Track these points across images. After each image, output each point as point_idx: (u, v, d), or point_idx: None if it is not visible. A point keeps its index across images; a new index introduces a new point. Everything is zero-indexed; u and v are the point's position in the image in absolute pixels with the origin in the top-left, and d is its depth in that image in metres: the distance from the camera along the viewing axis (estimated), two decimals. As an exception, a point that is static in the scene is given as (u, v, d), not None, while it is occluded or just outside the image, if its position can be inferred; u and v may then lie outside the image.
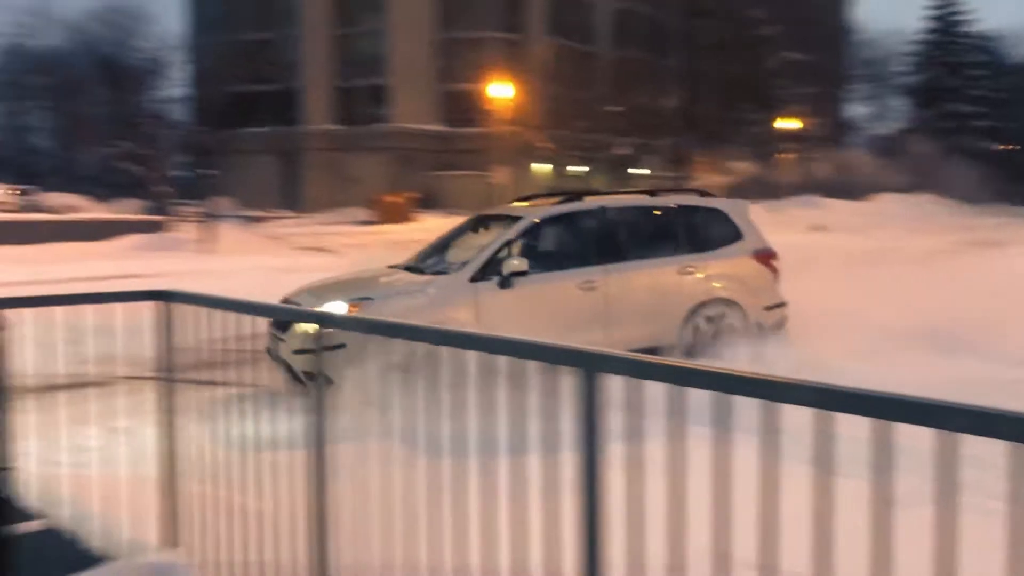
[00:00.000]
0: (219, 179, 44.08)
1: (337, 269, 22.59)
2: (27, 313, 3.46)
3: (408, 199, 44.76)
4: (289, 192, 55.93)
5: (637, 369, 2.16)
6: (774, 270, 8.64)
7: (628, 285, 7.81)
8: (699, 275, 8.24)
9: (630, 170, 55.41)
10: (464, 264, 7.54)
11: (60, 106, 64.35)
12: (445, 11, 57.19)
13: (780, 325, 8.47)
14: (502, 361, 2.50)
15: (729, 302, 8.22)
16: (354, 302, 7.10)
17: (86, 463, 3.76)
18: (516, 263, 7.27)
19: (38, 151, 68.51)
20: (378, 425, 3.11)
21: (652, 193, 9.12)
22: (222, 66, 59.15)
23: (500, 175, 46.67)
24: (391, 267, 8.41)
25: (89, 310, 3.65)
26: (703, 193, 9.58)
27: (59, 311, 3.56)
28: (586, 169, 56.77)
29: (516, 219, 7.89)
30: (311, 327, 3.12)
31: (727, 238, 8.57)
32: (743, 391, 1.92)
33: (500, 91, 46.39)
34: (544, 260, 7.87)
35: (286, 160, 57.50)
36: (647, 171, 56.85)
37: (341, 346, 3.72)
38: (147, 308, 3.79)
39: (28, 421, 3.61)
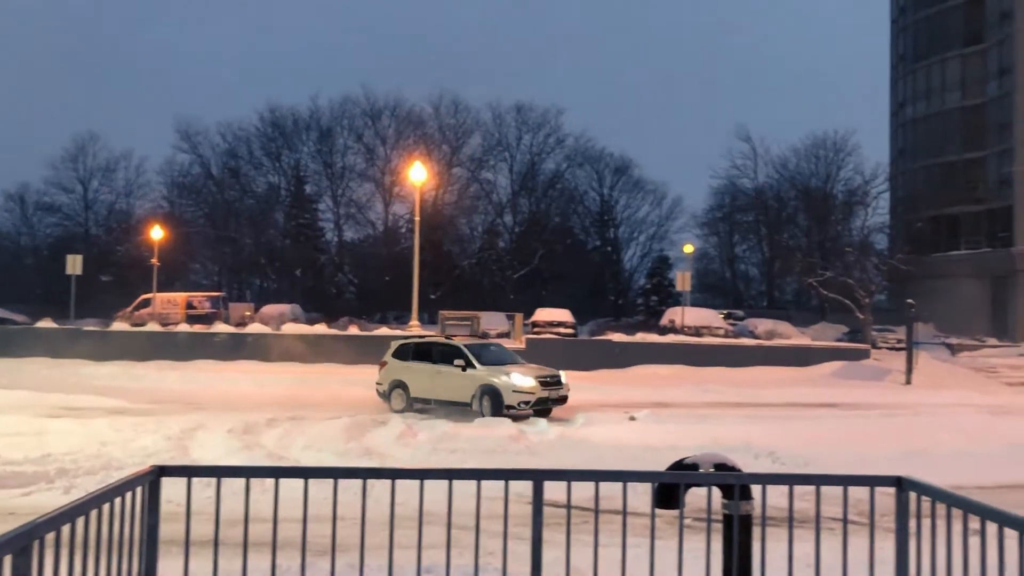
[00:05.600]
0: (916, 305, 42.77)
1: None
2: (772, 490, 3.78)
3: None
4: (997, 318, 51.43)
5: None
6: None
7: None
8: None
9: None
10: None
11: (766, 238, 69.92)
12: None
13: None
14: None
15: None
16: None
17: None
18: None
19: (747, 278, 75.33)
20: None
21: None
22: (923, 190, 58.05)
23: None
24: None
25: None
26: None
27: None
28: None
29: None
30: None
31: None
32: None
33: None
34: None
35: (993, 284, 53.20)
36: None
37: None
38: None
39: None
